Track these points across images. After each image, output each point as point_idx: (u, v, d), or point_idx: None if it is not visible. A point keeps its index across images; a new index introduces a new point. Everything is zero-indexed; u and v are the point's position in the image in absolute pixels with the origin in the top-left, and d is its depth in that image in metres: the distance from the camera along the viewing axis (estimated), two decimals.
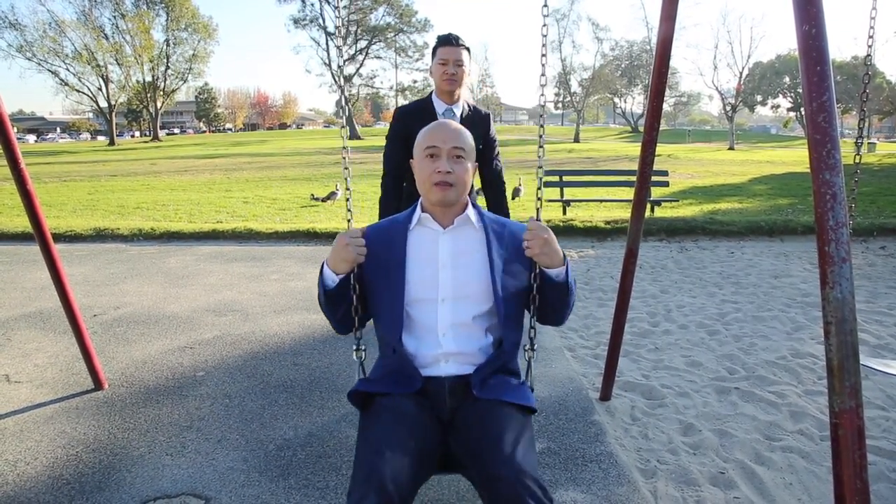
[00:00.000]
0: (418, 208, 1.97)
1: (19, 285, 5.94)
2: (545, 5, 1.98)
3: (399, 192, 3.40)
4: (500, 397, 1.81)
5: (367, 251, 1.84)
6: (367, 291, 1.93)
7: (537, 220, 1.87)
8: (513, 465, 1.54)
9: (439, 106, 3.28)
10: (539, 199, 1.97)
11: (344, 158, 1.98)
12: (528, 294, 1.91)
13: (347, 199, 2.02)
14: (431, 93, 3.34)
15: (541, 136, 2.04)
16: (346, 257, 1.79)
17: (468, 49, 3.23)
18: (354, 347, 2.03)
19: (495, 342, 1.92)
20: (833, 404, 1.62)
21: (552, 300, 1.89)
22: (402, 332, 1.88)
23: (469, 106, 3.35)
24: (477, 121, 3.34)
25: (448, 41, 3.17)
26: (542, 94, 2.04)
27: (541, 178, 1.97)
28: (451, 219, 1.93)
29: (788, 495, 2.61)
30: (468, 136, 1.93)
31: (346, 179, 1.99)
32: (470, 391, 1.85)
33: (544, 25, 1.99)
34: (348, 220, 1.98)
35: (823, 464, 2.82)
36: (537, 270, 1.87)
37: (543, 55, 2.01)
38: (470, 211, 1.96)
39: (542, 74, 2.03)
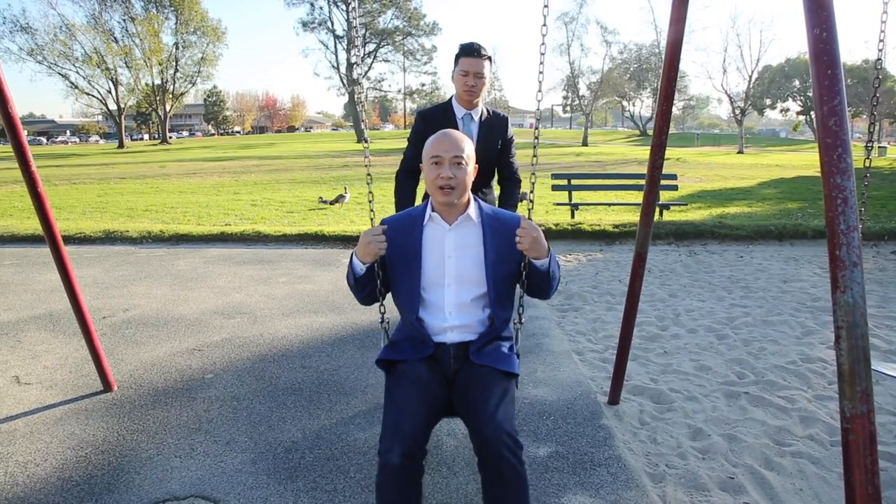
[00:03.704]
0: (429, 207, 2.34)
1: (30, 287, 5.99)
2: (546, 6, 2.25)
3: (410, 185, 3.48)
4: (490, 364, 2.25)
5: (388, 241, 2.23)
6: (389, 276, 2.37)
7: (528, 219, 2.24)
8: (493, 422, 1.98)
9: (459, 111, 3.35)
10: (531, 200, 2.40)
11: (366, 163, 2.38)
12: (517, 278, 2.31)
13: (370, 201, 2.44)
14: (452, 97, 3.39)
15: (535, 137, 2.45)
16: (369, 252, 2.20)
17: (490, 58, 3.25)
18: (380, 321, 2.52)
19: (490, 317, 2.34)
20: (844, 409, 1.60)
21: (538, 282, 2.29)
22: (419, 309, 2.32)
23: (488, 110, 3.40)
24: (495, 124, 3.40)
25: (470, 52, 3.18)
26: (539, 90, 2.31)
27: (533, 183, 2.33)
28: (455, 216, 2.31)
29: (799, 501, 2.59)
30: (468, 143, 2.27)
31: (368, 182, 2.43)
32: (469, 356, 2.31)
33: (544, 25, 2.27)
34: (371, 219, 2.38)
35: (834, 469, 2.80)
36: (526, 260, 2.24)
37: (542, 53, 2.31)
38: (471, 209, 2.33)
39: (540, 72, 2.30)
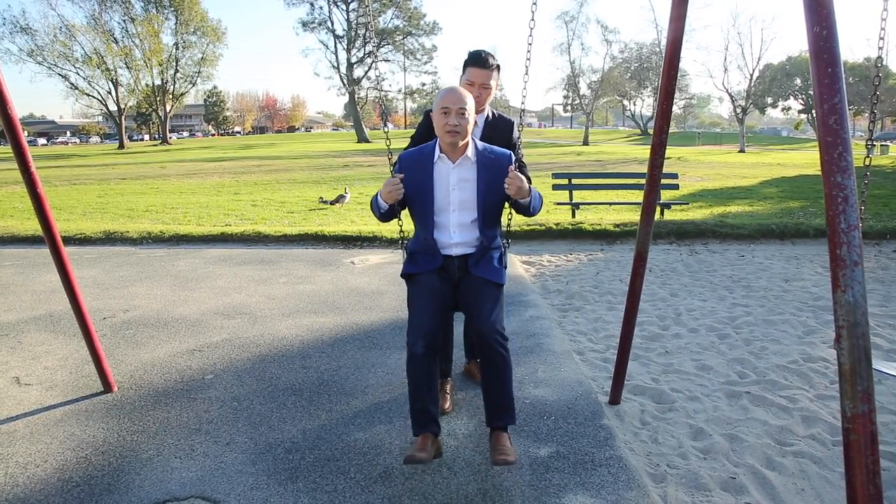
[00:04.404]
0: (437, 147, 2.89)
1: (30, 288, 5.99)
2: (534, 3, 2.76)
3: None
4: (484, 276, 2.85)
5: (405, 173, 2.86)
6: (407, 202, 2.94)
7: (516, 170, 2.81)
8: (488, 322, 2.66)
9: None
10: (520, 158, 3.14)
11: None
12: (503, 204, 2.95)
13: (389, 155, 3.20)
14: None
15: (522, 103, 3.00)
16: (390, 197, 2.81)
17: (498, 67, 3.22)
18: (401, 244, 3.18)
19: (482, 235, 2.92)
20: (845, 409, 1.60)
21: (521, 211, 2.94)
22: (433, 229, 2.90)
23: (494, 114, 3.37)
24: (500, 127, 3.37)
25: (478, 61, 3.15)
26: (528, 63, 2.92)
27: (519, 135, 3.20)
28: (458, 156, 2.87)
29: (800, 501, 2.58)
30: (469, 98, 2.82)
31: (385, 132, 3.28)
32: (468, 267, 2.91)
33: (532, 18, 2.78)
34: (391, 171, 3.00)
35: (836, 469, 2.79)
36: (511, 200, 2.89)
37: (530, 44, 2.89)
38: (469, 151, 2.89)
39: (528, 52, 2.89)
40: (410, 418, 2.69)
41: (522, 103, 2.96)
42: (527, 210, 2.92)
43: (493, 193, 2.87)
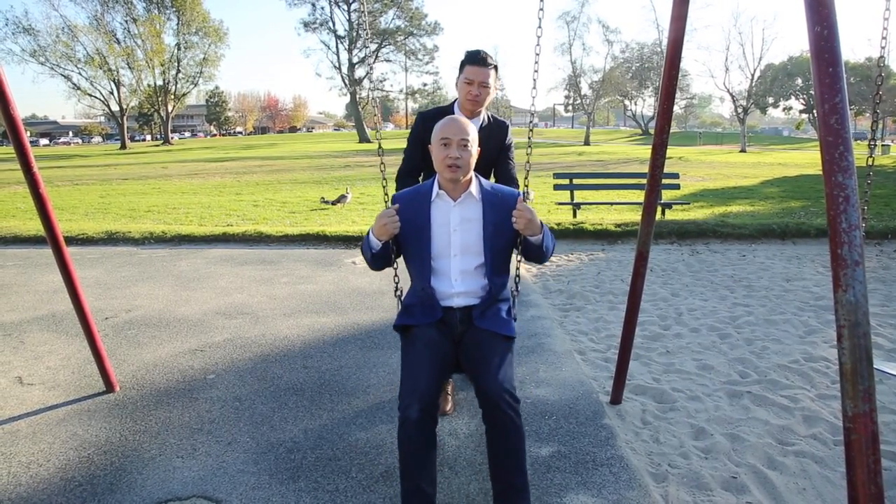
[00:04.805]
0: (436, 184, 2.58)
1: (32, 288, 6.00)
2: (541, 9, 2.50)
3: (411, 186, 3.42)
4: (492, 329, 2.52)
5: (400, 216, 2.49)
6: (402, 247, 2.62)
7: (524, 201, 2.50)
8: (496, 381, 2.26)
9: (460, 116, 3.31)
10: (527, 185, 2.73)
11: (378, 155, 2.64)
12: (513, 248, 2.61)
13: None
14: (455, 102, 3.33)
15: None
16: (385, 231, 2.46)
17: (496, 67, 3.19)
18: (395, 289, 2.77)
19: (489, 283, 2.58)
20: (846, 408, 1.60)
21: (533, 254, 2.59)
22: (430, 277, 2.56)
23: (489, 117, 3.34)
24: (495, 131, 3.35)
25: (476, 60, 3.11)
26: (536, 71, 2.57)
27: (528, 162, 2.67)
28: (459, 193, 2.56)
29: (802, 500, 2.58)
30: (472, 128, 2.52)
31: (380, 170, 2.75)
32: (473, 319, 2.57)
33: (540, 18, 2.50)
34: (385, 202, 2.65)
35: (837, 469, 2.79)
36: (521, 238, 2.55)
37: (538, 46, 2.59)
38: (473, 187, 2.58)
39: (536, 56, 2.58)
40: (401, 500, 2.28)
41: (532, 114, 2.63)
42: (539, 251, 2.54)
43: (500, 235, 2.55)
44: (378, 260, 2.60)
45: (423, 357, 2.38)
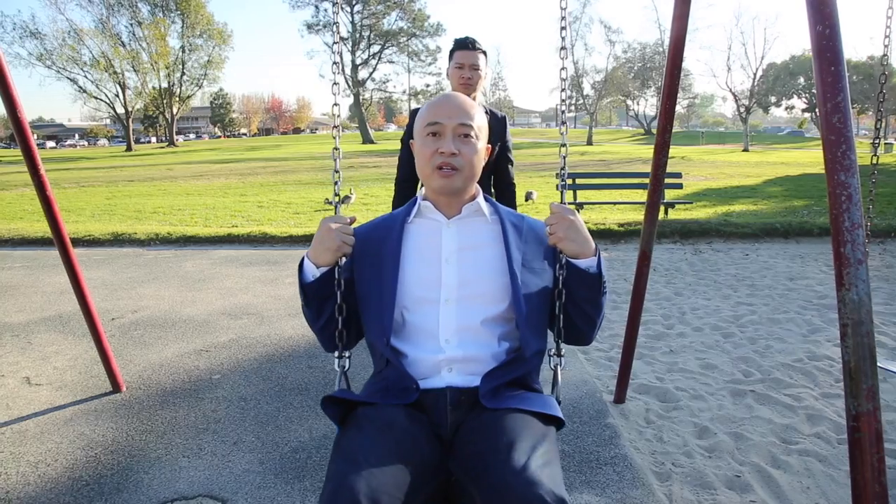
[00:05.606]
0: (415, 205, 1.69)
1: (39, 289, 6.03)
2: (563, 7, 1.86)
3: (411, 194, 3.35)
4: (515, 406, 1.47)
5: (358, 249, 1.60)
6: (356, 292, 1.64)
7: (561, 203, 1.61)
8: (525, 475, 1.20)
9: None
10: (563, 180, 1.77)
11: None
12: (550, 296, 1.62)
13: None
14: None
15: (563, 113, 1.79)
16: (330, 245, 1.51)
17: (485, 52, 3.25)
18: (336, 355, 1.66)
19: (510, 350, 1.60)
20: (850, 407, 1.60)
21: (582, 298, 1.57)
22: (390, 336, 1.56)
23: (485, 109, 3.35)
24: (493, 125, 3.30)
25: (465, 45, 3.21)
26: (564, 70, 1.82)
27: (564, 156, 1.77)
28: (457, 208, 1.64)
29: (805, 499, 2.59)
30: (479, 111, 1.65)
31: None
32: (477, 403, 1.50)
33: (563, 18, 1.86)
34: (335, 204, 1.77)
35: (841, 467, 2.79)
36: (563, 262, 1.57)
37: (563, 48, 1.84)
38: (481, 200, 1.67)
39: (563, 68, 1.83)
40: None
41: (563, 122, 1.76)
42: (597, 286, 1.58)
43: (533, 271, 1.61)
44: (318, 308, 1.59)
45: (369, 444, 1.33)
